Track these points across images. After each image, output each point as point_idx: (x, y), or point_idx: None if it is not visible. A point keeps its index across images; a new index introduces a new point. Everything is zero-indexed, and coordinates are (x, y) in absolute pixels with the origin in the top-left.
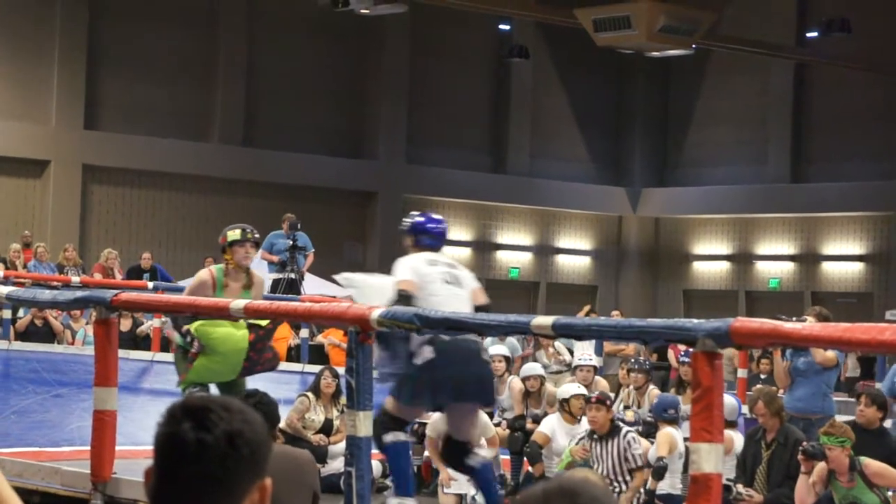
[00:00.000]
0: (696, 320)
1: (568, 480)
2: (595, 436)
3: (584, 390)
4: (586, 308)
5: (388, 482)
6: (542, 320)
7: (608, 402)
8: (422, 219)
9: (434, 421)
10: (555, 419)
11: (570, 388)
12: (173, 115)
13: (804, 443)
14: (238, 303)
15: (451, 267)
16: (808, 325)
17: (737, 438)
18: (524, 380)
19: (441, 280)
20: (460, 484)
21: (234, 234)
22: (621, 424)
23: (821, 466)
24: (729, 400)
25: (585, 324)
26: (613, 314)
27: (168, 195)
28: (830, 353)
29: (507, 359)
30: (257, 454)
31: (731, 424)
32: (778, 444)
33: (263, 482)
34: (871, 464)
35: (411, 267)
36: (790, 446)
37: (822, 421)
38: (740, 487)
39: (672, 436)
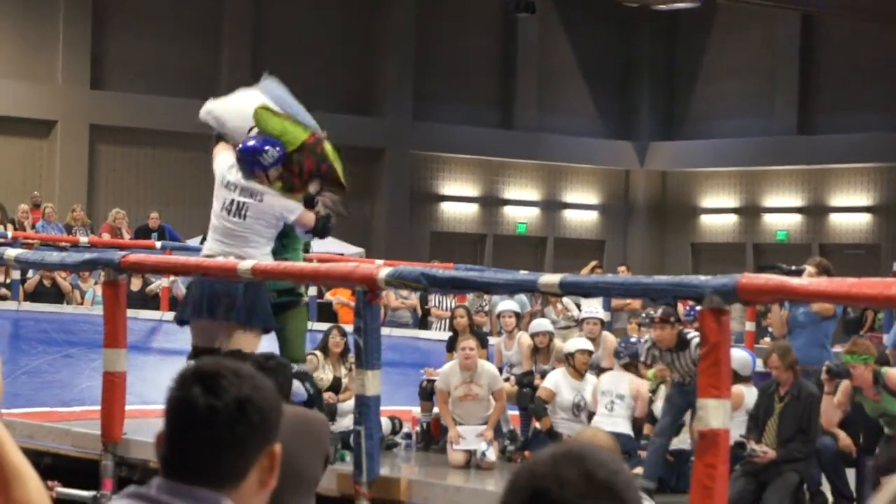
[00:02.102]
0: (702, 277)
1: (577, 444)
2: (664, 350)
3: (589, 345)
4: (592, 264)
5: (399, 439)
6: (550, 278)
7: (672, 319)
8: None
9: (443, 373)
10: (559, 374)
11: (574, 342)
12: (180, 74)
13: (827, 362)
14: (245, 263)
15: (247, 196)
16: (815, 280)
17: (749, 394)
18: (533, 336)
19: (221, 205)
20: (469, 441)
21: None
22: (689, 335)
23: (845, 384)
24: (743, 355)
25: (592, 281)
26: (620, 270)
27: (175, 154)
28: (830, 306)
29: (516, 315)
30: (267, 420)
31: (745, 379)
32: (791, 398)
33: (273, 448)
34: (893, 375)
35: (220, 169)
36: (803, 400)
37: (820, 372)
38: (753, 444)
39: None
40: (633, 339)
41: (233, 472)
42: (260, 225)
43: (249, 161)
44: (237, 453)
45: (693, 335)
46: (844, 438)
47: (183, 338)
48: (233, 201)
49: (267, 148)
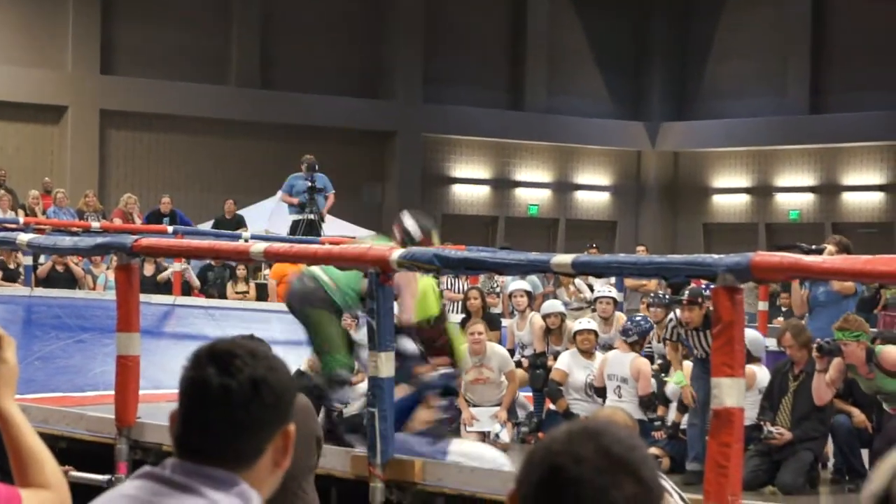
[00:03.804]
0: (716, 256)
1: (593, 422)
2: (690, 329)
3: (592, 324)
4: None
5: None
6: (562, 258)
7: (700, 300)
8: None
9: None
10: (569, 355)
11: (578, 322)
12: (190, 59)
13: (818, 340)
14: (258, 245)
15: None
16: (829, 258)
17: (760, 373)
18: (545, 317)
19: None
20: (482, 423)
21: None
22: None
23: (837, 362)
24: (754, 335)
25: (605, 261)
26: (639, 250)
27: (186, 139)
28: (849, 285)
29: (528, 294)
30: (282, 400)
31: (757, 360)
32: (806, 376)
33: (287, 428)
34: (887, 354)
35: None
36: None
37: None
38: (769, 426)
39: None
40: (639, 318)
41: (247, 452)
42: None
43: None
44: (251, 433)
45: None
46: (858, 415)
47: (196, 322)
48: None
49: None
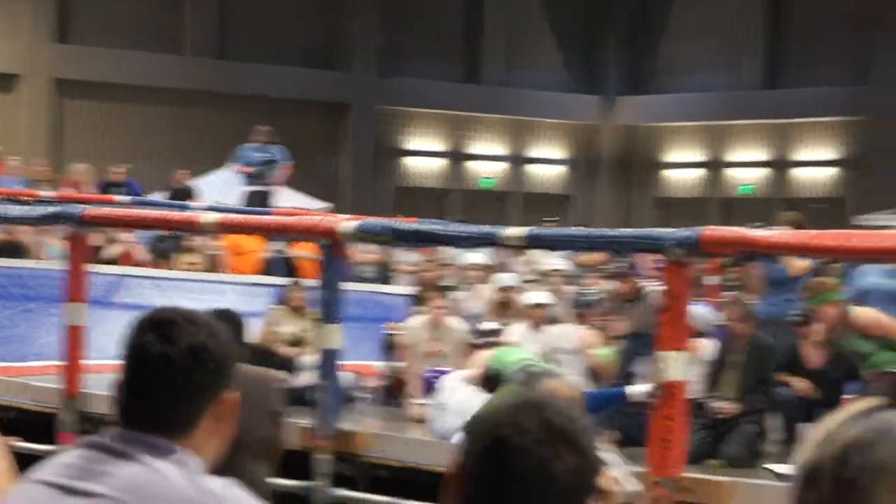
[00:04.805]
0: (665, 230)
1: (536, 394)
2: (622, 301)
3: (543, 298)
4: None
5: (360, 393)
6: (515, 231)
7: (629, 273)
8: None
9: (411, 327)
10: (522, 328)
11: (529, 295)
12: (146, 28)
13: (791, 314)
14: (210, 215)
15: None
16: (777, 232)
17: (707, 347)
18: (497, 290)
19: None
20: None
21: None
22: (647, 288)
23: (818, 328)
24: (702, 309)
25: (556, 235)
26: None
27: (141, 108)
28: (804, 262)
29: (483, 267)
30: (221, 368)
31: (703, 334)
32: (750, 349)
33: (227, 395)
34: (859, 316)
35: None
36: (761, 352)
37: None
38: (717, 401)
39: None
40: (587, 291)
41: (185, 418)
42: None
43: None
44: (189, 400)
45: (650, 287)
46: (798, 383)
47: (145, 293)
48: None
49: None
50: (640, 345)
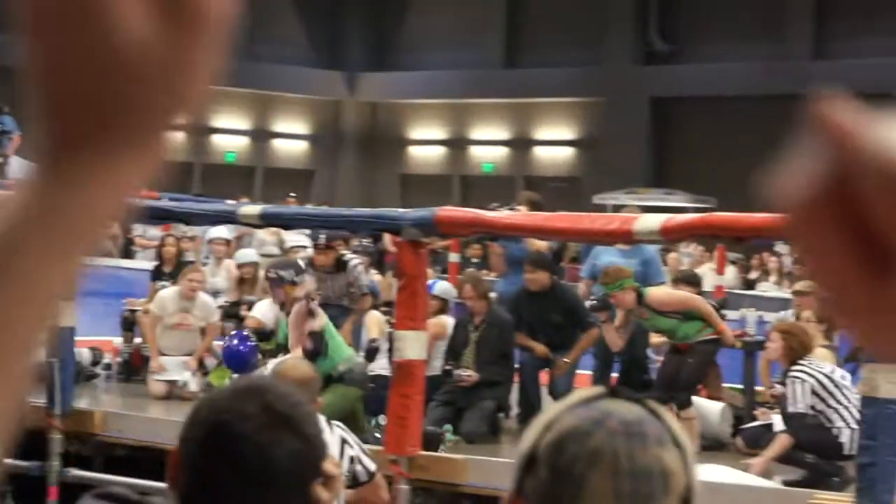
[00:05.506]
0: (401, 210)
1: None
2: (321, 272)
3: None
4: (290, 200)
5: (99, 370)
6: (250, 209)
7: (333, 244)
8: None
9: (160, 299)
10: (266, 304)
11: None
12: None
13: (589, 301)
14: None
15: None
16: (512, 214)
17: (449, 323)
18: (239, 266)
19: None
20: (172, 371)
21: None
22: (348, 258)
23: (619, 312)
24: (446, 286)
25: (293, 213)
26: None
27: None
28: (542, 242)
29: (227, 242)
30: None
31: (444, 311)
32: (486, 325)
33: None
34: (653, 296)
35: None
36: (497, 326)
37: None
38: (459, 371)
39: (380, 318)
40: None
41: None
42: None
43: None
44: None
45: (352, 259)
46: (538, 347)
47: None
48: None
49: None
50: (331, 315)
